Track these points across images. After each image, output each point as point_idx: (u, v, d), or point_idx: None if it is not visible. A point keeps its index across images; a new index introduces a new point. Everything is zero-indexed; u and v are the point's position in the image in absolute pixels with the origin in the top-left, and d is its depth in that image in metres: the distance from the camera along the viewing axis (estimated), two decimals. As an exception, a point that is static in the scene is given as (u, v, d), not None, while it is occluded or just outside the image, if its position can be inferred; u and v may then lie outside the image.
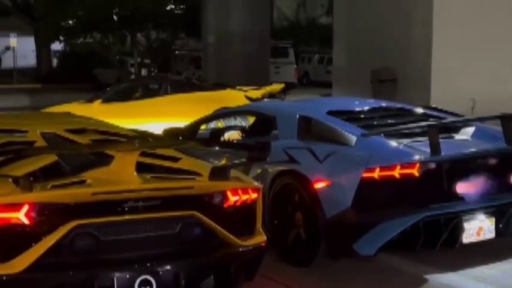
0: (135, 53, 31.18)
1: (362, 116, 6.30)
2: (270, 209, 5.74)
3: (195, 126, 7.32)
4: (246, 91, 11.86)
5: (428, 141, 5.29)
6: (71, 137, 4.79)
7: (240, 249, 4.29)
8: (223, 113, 7.88)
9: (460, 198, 5.39)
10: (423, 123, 5.77)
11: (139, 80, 18.94)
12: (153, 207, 3.99)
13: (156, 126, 8.42)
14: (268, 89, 12.28)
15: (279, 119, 6.23)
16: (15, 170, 4.03)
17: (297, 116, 6.03)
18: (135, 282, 3.88)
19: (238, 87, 12.41)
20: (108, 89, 14.06)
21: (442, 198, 5.31)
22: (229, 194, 4.27)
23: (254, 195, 4.41)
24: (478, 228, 5.39)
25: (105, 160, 4.20)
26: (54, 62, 37.68)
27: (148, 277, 3.91)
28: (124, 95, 12.89)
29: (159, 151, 4.65)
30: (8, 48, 38.08)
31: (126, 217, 3.94)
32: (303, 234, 5.57)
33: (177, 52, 34.58)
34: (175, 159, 4.62)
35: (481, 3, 13.18)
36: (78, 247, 3.82)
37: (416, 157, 5.23)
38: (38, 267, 3.72)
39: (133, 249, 3.98)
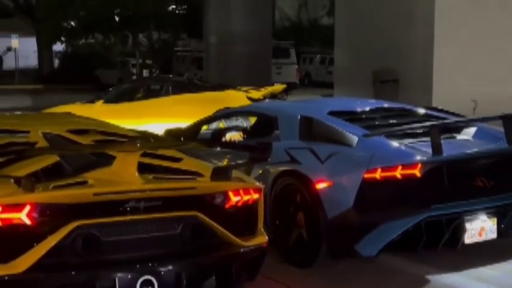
0: (136, 53, 31.20)
1: (363, 116, 6.29)
2: (271, 209, 5.74)
3: (197, 126, 7.32)
4: (247, 91, 11.87)
5: (430, 142, 5.29)
6: (73, 137, 4.79)
7: (242, 250, 4.29)
8: (225, 114, 7.88)
9: (461, 199, 5.38)
10: (425, 124, 5.76)
11: (141, 81, 18.95)
12: (154, 207, 3.99)
13: (158, 126, 8.43)
14: (269, 89, 12.29)
15: (281, 119, 6.23)
16: (17, 170, 4.03)
17: (299, 117, 6.03)
18: (136, 282, 3.88)
19: (239, 88, 12.42)
20: (109, 89, 14.09)
21: (444, 198, 5.31)
22: (230, 194, 4.26)
23: (256, 196, 4.41)
24: (480, 228, 5.38)
25: (106, 161, 4.20)
26: (56, 62, 37.73)
27: (150, 277, 3.91)
28: (126, 96, 12.91)
29: (161, 151, 4.65)
30: (9, 49, 38.13)
31: (128, 217, 3.94)
32: (304, 234, 5.57)
33: (178, 53, 34.61)
34: (176, 160, 4.62)
35: (482, 4, 13.17)
36: (80, 247, 3.82)
37: (418, 157, 5.23)
38: (40, 267, 3.72)
39: (135, 250, 3.98)
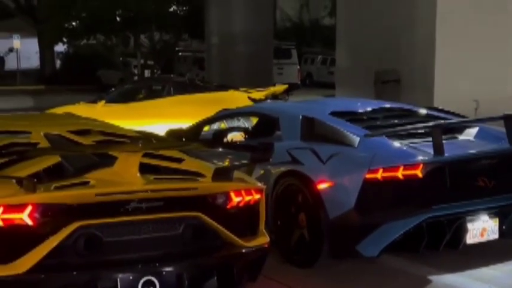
0: (138, 54, 31.21)
1: (365, 116, 6.29)
2: (273, 209, 5.74)
3: (198, 127, 7.32)
4: (249, 92, 11.87)
5: (431, 142, 5.28)
6: (75, 138, 4.79)
7: (243, 250, 4.29)
8: (226, 114, 7.88)
9: (463, 199, 5.38)
10: (426, 124, 5.76)
11: (142, 82, 18.94)
12: (156, 208, 4.00)
13: (159, 127, 8.43)
14: (271, 89, 12.28)
15: (282, 120, 6.23)
16: (18, 171, 4.03)
17: (300, 117, 6.03)
18: (138, 283, 3.89)
19: (241, 88, 12.42)
20: (111, 90, 14.09)
21: (446, 199, 5.30)
22: (232, 195, 4.27)
23: (257, 196, 4.41)
24: (482, 229, 5.38)
25: (108, 161, 4.20)
26: (58, 63, 37.74)
27: (152, 278, 3.92)
28: (127, 96, 12.90)
29: (163, 152, 4.65)
30: (11, 49, 38.12)
31: (130, 218, 3.94)
32: (306, 235, 5.57)
33: (180, 53, 34.61)
34: (178, 160, 4.62)
35: (484, 4, 13.18)
36: (82, 248, 3.82)
37: (420, 158, 5.23)
38: (42, 268, 3.73)
39: (137, 250, 3.99)
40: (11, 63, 39.80)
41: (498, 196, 5.52)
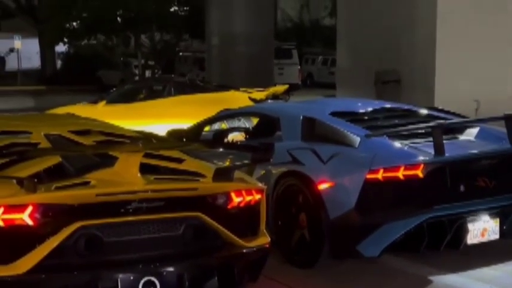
0: (139, 54, 31.23)
1: (366, 117, 6.29)
2: (273, 210, 5.74)
3: (199, 127, 7.32)
4: (249, 92, 11.86)
5: (432, 142, 5.28)
6: (75, 138, 4.79)
7: (244, 251, 4.29)
8: (227, 115, 7.88)
9: (464, 199, 5.38)
10: (427, 124, 5.75)
11: (143, 82, 18.94)
12: (157, 208, 4.00)
13: (160, 127, 8.42)
14: (272, 90, 12.27)
15: (283, 120, 6.23)
16: (19, 171, 4.03)
17: (301, 117, 6.02)
18: (139, 283, 3.89)
19: (241, 89, 12.42)
20: (112, 90, 14.09)
21: (446, 199, 5.30)
22: (233, 195, 4.27)
23: (258, 197, 4.41)
24: (483, 229, 5.38)
25: (109, 161, 4.20)
26: (58, 63, 37.75)
27: (152, 278, 3.91)
28: (128, 97, 12.90)
29: (163, 152, 4.65)
30: (12, 50, 38.16)
31: (130, 218, 3.94)
32: (306, 235, 5.57)
33: (180, 54, 34.62)
34: (179, 161, 4.62)
35: (484, 5, 13.18)
36: (82, 248, 3.82)
37: (420, 158, 5.22)
38: (42, 268, 3.73)
39: (137, 251, 3.99)
40: (11, 64, 39.83)
41: (499, 196, 5.52)
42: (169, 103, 12.06)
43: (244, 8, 20.44)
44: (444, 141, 5.29)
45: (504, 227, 5.50)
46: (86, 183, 4.01)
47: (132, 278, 3.89)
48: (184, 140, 6.67)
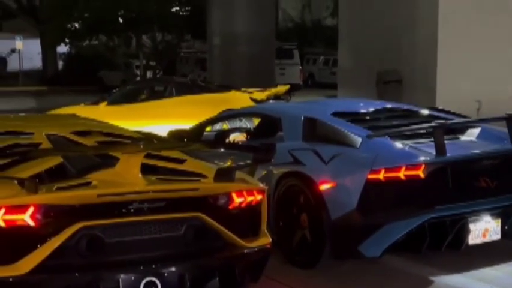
0: (140, 55, 31.26)
1: (367, 117, 6.29)
2: (275, 210, 5.74)
3: (200, 128, 7.32)
4: (251, 93, 11.86)
5: (433, 143, 5.28)
6: (77, 139, 4.80)
7: (245, 251, 4.29)
8: (229, 115, 7.89)
9: (465, 200, 5.38)
10: (428, 125, 5.75)
11: (144, 82, 18.97)
12: (158, 208, 4.00)
13: (162, 128, 8.43)
14: (273, 90, 12.28)
15: (284, 120, 6.23)
16: (20, 172, 4.04)
17: (302, 118, 6.02)
18: (140, 283, 3.89)
19: (243, 89, 12.42)
20: (113, 91, 14.10)
21: (448, 199, 5.30)
22: (234, 195, 4.27)
23: (259, 197, 4.41)
24: (484, 229, 5.38)
25: (110, 162, 4.21)
26: (60, 64, 37.78)
27: (154, 279, 3.91)
28: (129, 97, 12.92)
29: (164, 153, 4.65)
30: (13, 50, 38.20)
31: (132, 219, 3.94)
32: (308, 235, 5.57)
33: (182, 54, 34.64)
34: (180, 161, 4.62)
35: (485, 5, 13.18)
36: (84, 249, 3.82)
37: (422, 158, 5.22)
38: (44, 269, 3.73)
39: (139, 251, 3.99)
40: (13, 64, 39.88)
41: (500, 197, 5.52)
42: (171, 104, 12.06)
43: (246, 8, 20.45)
44: (445, 142, 5.29)
45: (506, 227, 5.50)
46: (87, 184, 4.01)
47: (133, 278, 3.89)
48: (186, 140, 6.68)
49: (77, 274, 3.81)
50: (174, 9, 31.35)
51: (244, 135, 7.36)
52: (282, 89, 12.61)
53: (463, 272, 5.47)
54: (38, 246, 3.73)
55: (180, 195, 4.08)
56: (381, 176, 5.11)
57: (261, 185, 4.56)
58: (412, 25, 13.41)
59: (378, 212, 5.22)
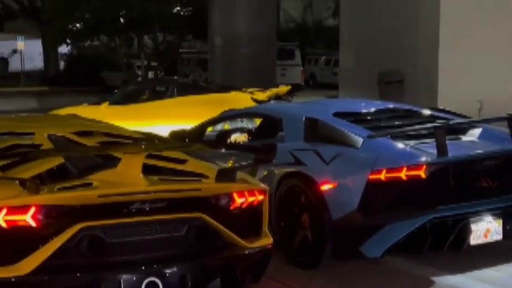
0: (142, 55, 31.29)
1: (368, 117, 6.29)
2: (276, 211, 5.74)
3: (202, 128, 7.33)
4: (252, 93, 11.87)
5: (435, 143, 5.28)
6: (78, 139, 4.80)
7: (247, 251, 4.29)
8: (230, 115, 7.89)
9: (467, 200, 5.37)
10: (430, 125, 5.75)
11: (146, 83, 18.97)
12: (159, 209, 4.00)
13: (163, 128, 8.44)
14: (274, 90, 12.28)
15: (285, 120, 6.23)
16: (22, 172, 4.04)
17: (303, 118, 6.02)
18: (141, 284, 3.89)
19: (244, 89, 12.42)
20: (115, 91, 14.11)
21: (449, 199, 5.30)
22: (235, 196, 4.26)
23: (260, 197, 4.40)
24: (486, 230, 5.37)
25: (111, 162, 4.21)
26: (61, 64, 37.82)
27: (155, 279, 3.91)
28: (131, 98, 12.92)
29: (166, 153, 4.65)
30: (15, 51, 38.21)
31: (133, 219, 3.94)
32: (309, 236, 5.57)
33: (183, 54, 34.65)
34: (181, 162, 4.62)
35: (486, 5, 13.18)
36: (85, 249, 3.82)
37: (423, 159, 5.22)
38: (45, 269, 3.73)
39: (140, 251, 3.99)
40: (14, 65, 39.90)
41: (502, 197, 5.51)
42: (172, 104, 12.07)
43: (247, 8, 20.44)
44: (447, 142, 5.29)
45: (507, 228, 5.49)
46: (88, 185, 4.01)
47: (134, 279, 3.89)
48: (187, 140, 6.68)
49: (78, 275, 3.81)
50: (175, 10, 31.38)
51: (246, 135, 7.37)
52: (283, 89, 12.61)
53: (465, 272, 5.47)
54: (40, 246, 3.73)
55: (181, 195, 4.08)
56: (382, 176, 5.11)
57: (262, 185, 4.56)
58: (413, 25, 13.41)
59: (379, 213, 5.22)
